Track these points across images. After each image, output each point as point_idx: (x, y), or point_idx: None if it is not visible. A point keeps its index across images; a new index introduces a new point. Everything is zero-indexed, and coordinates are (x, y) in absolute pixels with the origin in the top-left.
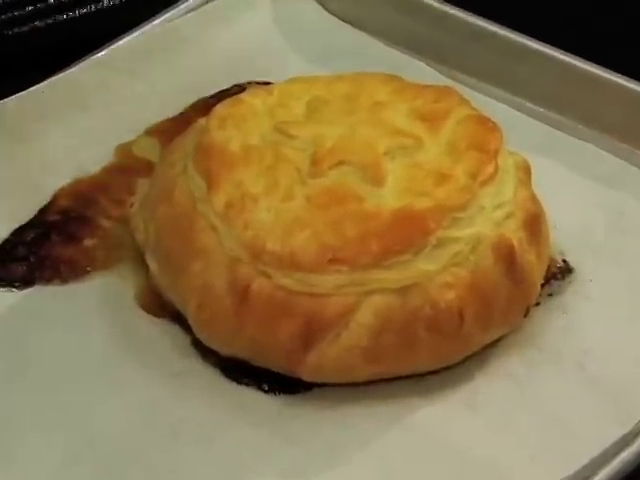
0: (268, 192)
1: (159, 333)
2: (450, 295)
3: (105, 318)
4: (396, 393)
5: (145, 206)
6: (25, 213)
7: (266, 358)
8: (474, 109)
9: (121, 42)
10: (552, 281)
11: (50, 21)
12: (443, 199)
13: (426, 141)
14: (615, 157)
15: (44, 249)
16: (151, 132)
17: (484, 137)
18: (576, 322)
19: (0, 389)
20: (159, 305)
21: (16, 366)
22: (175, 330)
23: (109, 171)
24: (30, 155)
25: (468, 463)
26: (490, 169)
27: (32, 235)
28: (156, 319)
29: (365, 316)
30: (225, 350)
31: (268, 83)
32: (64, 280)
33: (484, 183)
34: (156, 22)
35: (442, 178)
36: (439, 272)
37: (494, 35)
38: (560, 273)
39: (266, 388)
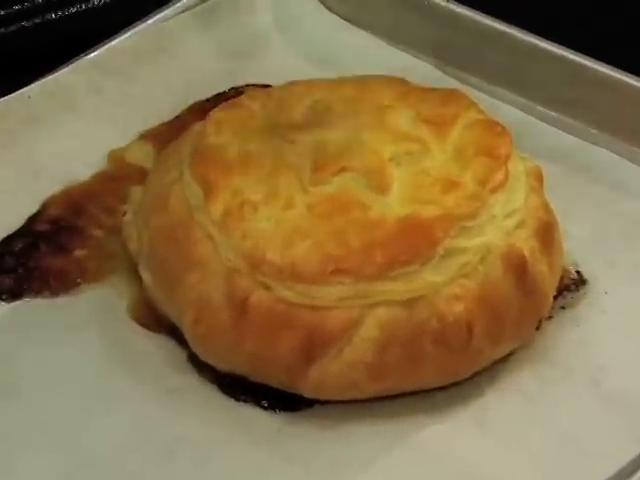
0: (268, 200)
1: (154, 348)
2: (458, 308)
3: (97, 332)
4: (402, 410)
5: (138, 215)
6: (13, 222)
7: (265, 374)
8: (483, 113)
9: (113, 42)
10: (565, 293)
11: (38, 21)
12: (451, 207)
13: (433, 146)
14: (631, 163)
15: (33, 260)
16: (145, 137)
17: (493, 142)
18: (590, 336)
19: None
20: (153, 318)
21: (4, 382)
22: (170, 345)
23: (101, 178)
24: (18, 161)
25: None
26: (500, 176)
27: (20, 245)
28: (150, 333)
29: (369, 330)
30: (223, 365)
31: (267, 86)
32: (54, 292)
33: (494, 190)
34: (150, 22)
35: (450, 185)
36: (447, 284)
37: (503, 35)
38: (573, 285)
39: (265, 405)
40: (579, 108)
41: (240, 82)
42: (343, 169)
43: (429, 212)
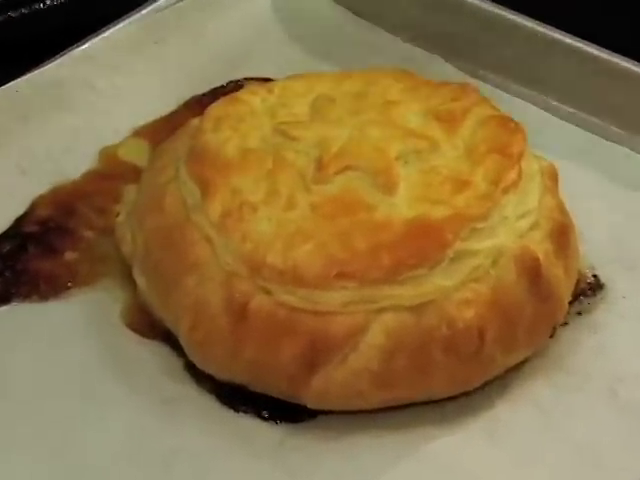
0: (268, 200)
1: (148, 355)
2: (469, 313)
3: (88, 339)
4: (409, 421)
5: (132, 215)
6: (0, 223)
7: (266, 383)
8: (495, 108)
9: (105, 34)
10: (581, 298)
11: (25, 11)
12: (461, 208)
13: (442, 144)
14: None
15: (21, 263)
16: (139, 134)
17: (506, 139)
18: (608, 343)
19: None
20: (148, 324)
21: None
22: (166, 352)
23: (92, 177)
24: (5, 159)
25: None
26: (513, 175)
27: (8, 247)
28: (145, 340)
29: (375, 336)
30: (221, 374)
31: (268, 80)
32: (43, 297)
33: (506, 190)
34: (144, 12)
35: (460, 185)
36: (457, 288)
37: (517, 26)
38: (590, 289)
39: (266, 416)
40: (597, 103)
41: (239, 76)
42: (347, 168)
43: (438, 213)
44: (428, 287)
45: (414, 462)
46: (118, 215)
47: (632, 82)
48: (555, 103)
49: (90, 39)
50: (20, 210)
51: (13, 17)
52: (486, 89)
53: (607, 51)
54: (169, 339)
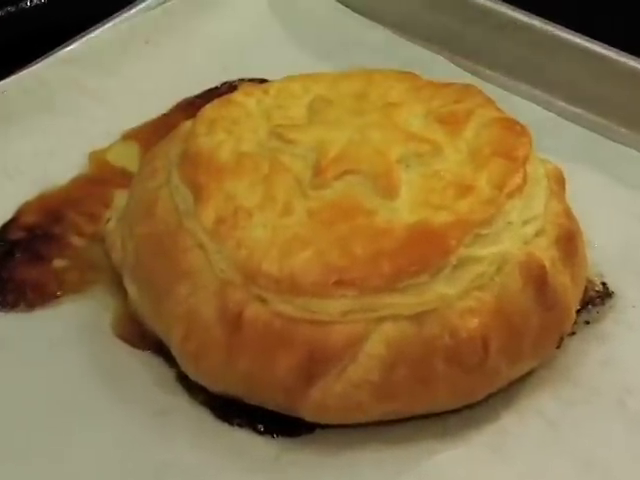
0: (264, 206)
1: (139, 366)
2: (472, 323)
3: (77, 349)
4: (410, 435)
5: (123, 222)
6: None
7: (262, 395)
8: (500, 110)
9: (94, 34)
10: (589, 307)
11: (11, 9)
12: (465, 213)
13: (445, 147)
14: None
15: (7, 270)
16: (129, 137)
17: (511, 142)
18: (617, 354)
19: None
20: (139, 334)
21: None
22: (157, 363)
23: (81, 182)
24: None
25: None
26: (518, 179)
27: None
28: (136, 350)
29: (375, 347)
30: (215, 386)
31: (263, 80)
32: (30, 306)
33: (511, 195)
34: (133, 11)
35: (463, 189)
36: (460, 296)
37: (523, 25)
38: (598, 298)
39: (262, 430)
40: (605, 104)
41: (233, 76)
42: (346, 172)
43: (441, 218)
44: (430, 295)
45: (415, 478)
46: (108, 221)
47: None
48: (561, 104)
49: (78, 39)
50: (6, 216)
51: None
52: (490, 90)
53: (615, 50)
54: (161, 349)
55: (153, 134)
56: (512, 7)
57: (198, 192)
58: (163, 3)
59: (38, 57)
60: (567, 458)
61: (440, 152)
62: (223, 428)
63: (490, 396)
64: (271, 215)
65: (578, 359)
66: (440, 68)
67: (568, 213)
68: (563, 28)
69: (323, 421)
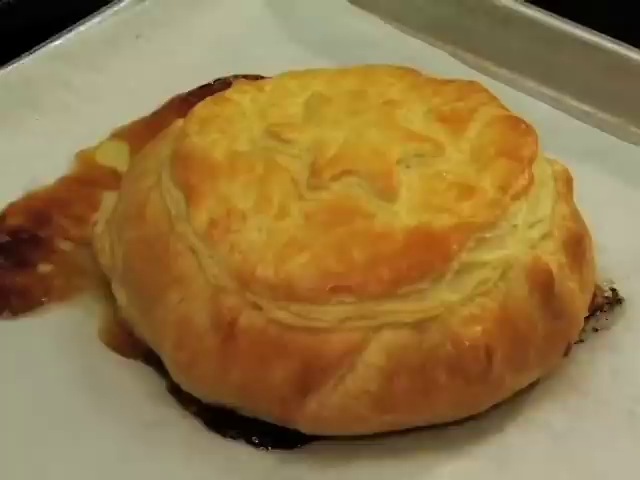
0: (258, 208)
1: (129, 376)
2: (476, 331)
3: (64, 358)
4: (411, 448)
5: (111, 225)
6: None
7: (257, 406)
8: (504, 108)
9: (81, 28)
10: (598, 314)
11: None
12: (467, 216)
13: (447, 147)
14: None
15: None
16: (118, 136)
17: (516, 142)
18: (627, 363)
19: None
20: (129, 343)
21: None
22: (148, 373)
23: (68, 183)
24: None
25: None
26: (523, 180)
27: None
28: (125, 359)
29: (374, 355)
30: (208, 397)
31: (258, 77)
32: (15, 313)
33: (516, 197)
34: (124, 3)
35: (466, 191)
36: (463, 303)
37: (529, 19)
38: (607, 304)
39: (257, 442)
40: (616, 102)
41: (227, 73)
42: (344, 173)
43: (442, 221)
44: (431, 302)
45: None
46: (96, 224)
47: None
48: (569, 101)
49: (65, 34)
50: None
51: None
52: (495, 86)
53: (626, 45)
54: (151, 359)
55: (143, 133)
56: (518, 0)
57: (190, 194)
58: None
59: (23, 53)
60: (575, 473)
61: (442, 152)
62: (216, 441)
63: (494, 407)
64: (266, 218)
65: (586, 368)
66: (442, 63)
67: (576, 216)
68: (572, 22)
69: (320, 433)
